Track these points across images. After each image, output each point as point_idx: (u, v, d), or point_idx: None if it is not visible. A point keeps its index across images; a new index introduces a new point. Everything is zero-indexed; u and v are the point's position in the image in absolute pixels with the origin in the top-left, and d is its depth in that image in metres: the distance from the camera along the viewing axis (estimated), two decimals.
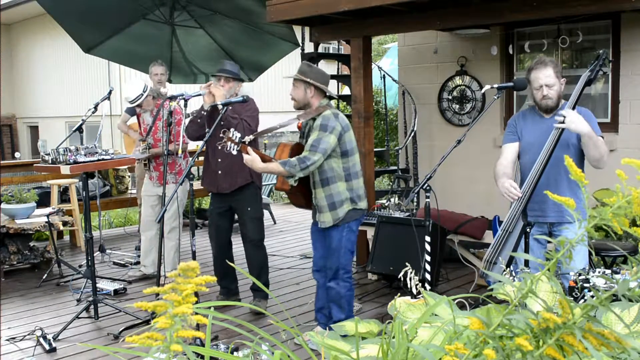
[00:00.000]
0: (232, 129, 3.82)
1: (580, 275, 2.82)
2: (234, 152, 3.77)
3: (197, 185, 6.43)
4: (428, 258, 3.69)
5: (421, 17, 5.24)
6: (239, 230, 4.92)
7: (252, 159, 3.77)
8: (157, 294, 1.07)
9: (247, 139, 3.82)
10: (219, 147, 3.87)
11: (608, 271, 3.04)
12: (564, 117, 3.25)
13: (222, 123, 4.24)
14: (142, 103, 5.53)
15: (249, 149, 3.78)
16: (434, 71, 6.76)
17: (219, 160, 4.68)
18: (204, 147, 4.57)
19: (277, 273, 5.93)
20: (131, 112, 6.27)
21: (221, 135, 3.80)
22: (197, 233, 4.88)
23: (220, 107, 4.27)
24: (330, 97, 4.10)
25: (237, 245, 5.06)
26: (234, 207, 4.82)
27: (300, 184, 3.97)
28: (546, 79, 3.44)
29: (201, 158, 5.14)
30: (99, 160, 4.68)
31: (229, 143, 3.74)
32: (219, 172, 4.69)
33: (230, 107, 4.39)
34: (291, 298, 5.18)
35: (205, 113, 4.56)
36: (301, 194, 4.07)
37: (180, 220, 5.35)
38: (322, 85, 3.92)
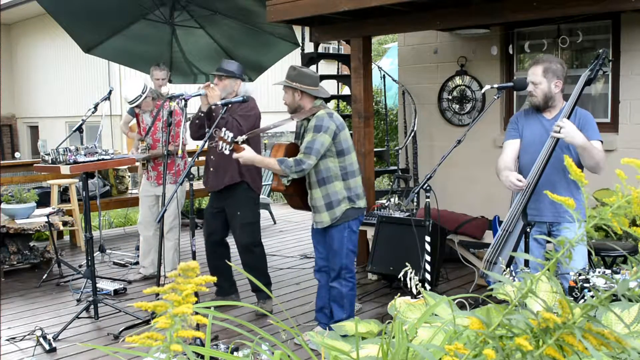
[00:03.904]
0: (223, 129, 3.79)
1: (580, 275, 2.82)
2: (227, 152, 3.75)
3: (197, 185, 6.43)
4: (428, 258, 3.69)
5: (421, 17, 5.24)
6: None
7: (247, 154, 3.76)
8: (157, 294, 1.07)
9: (240, 139, 3.79)
10: (212, 146, 3.87)
11: (608, 271, 3.04)
12: (560, 127, 3.25)
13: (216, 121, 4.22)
14: (141, 104, 5.52)
15: (243, 146, 3.77)
16: (434, 71, 6.76)
17: (212, 157, 4.69)
18: (205, 147, 4.56)
19: (277, 273, 5.92)
20: (132, 112, 6.27)
21: (213, 135, 3.77)
22: (197, 233, 4.88)
23: (219, 106, 4.26)
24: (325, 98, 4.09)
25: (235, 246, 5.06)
26: (226, 209, 4.72)
27: (296, 185, 3.97)
28: (532, 76, 3.50)
29: (201, 158, 5.14)
30: (99, 160, 4.68)
31: (220, 143, 3.70)
32: (211, 169, 4.70)
33: (228, 107, 4.36)
34: (291, 298, 5.18)
35: (202, 114, 4.55)
36: (297, 195, 4.07)
37: (179, 220, 5.35)
38: (309, 88, 3.91)
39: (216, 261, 4.74)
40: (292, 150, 3.95)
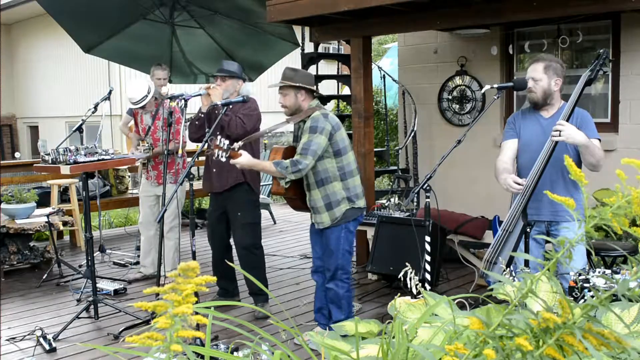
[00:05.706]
0: (219, 137, 3.76)
1: (580, 275, 2.82)
2: (223, 160, 3.74)
3: (197, 185, 6.43)
4: (428, 258, 3.69)
5: (421, 17, 5.24)
6: None
7: (244, 160, 3.76)
8: (157, 294, 1.07)
9: (236, 145, 3.78)
10: (208, 154, 3.84)
11: (608, 271, 3.04)
12: (560, 130, 3.25)
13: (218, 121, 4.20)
14: (146, 104, 5.51)
15: (240, 152, 3.77)
16: (434, 71, 6.76)
17: (213, 158, 4.67)
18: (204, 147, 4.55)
19: (277, 273, 5.93)
20: (131, 113, 6.26)
21: (209, 143, 3.76)
22: (197, 233, 4.87)
23: (219, 106, 4.25)
24: (320, 98, 4.10)
25: None
26: (227, 209, 4.72)
27: (296, 188, 3.97)
28: (532, 72, 3.50)
29: (201, 158, 5.12)
30: (99, 160, 4.68)
31: (216, 151, 3.68)
32: (214, 170, 4.67)
33: (230, 107, 4.36)
34: (291, 298, 5.18)
35: (202, 115, 4.54)
36: (298, 198, 4.08)
37: (180, 220, 5.35)
38: (310, 87, 3.93)
39: (222, 264, 4.61)
40: (290, 153, 3.96)
